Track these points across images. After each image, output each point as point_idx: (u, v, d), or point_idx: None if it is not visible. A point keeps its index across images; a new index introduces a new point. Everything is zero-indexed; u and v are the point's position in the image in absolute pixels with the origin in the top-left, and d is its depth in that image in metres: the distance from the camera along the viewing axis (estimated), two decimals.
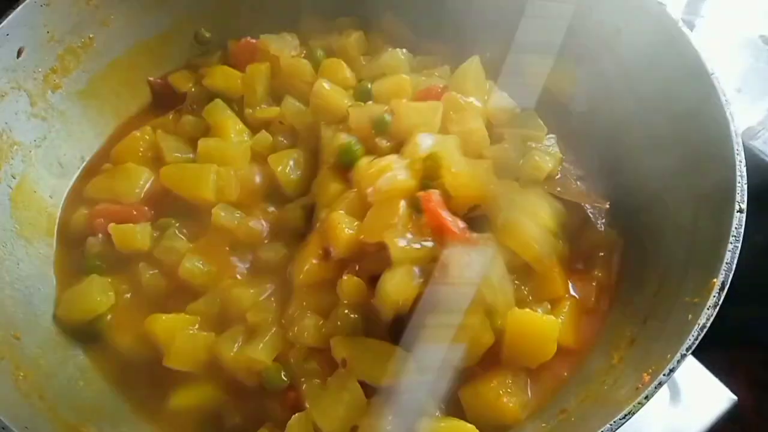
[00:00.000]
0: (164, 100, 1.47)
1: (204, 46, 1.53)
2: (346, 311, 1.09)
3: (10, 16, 1.18)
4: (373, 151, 1.23)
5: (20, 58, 1.22)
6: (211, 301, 1.18)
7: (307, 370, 1.10)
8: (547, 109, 1.28)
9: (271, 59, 1.43)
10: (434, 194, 1.09)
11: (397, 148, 1.21)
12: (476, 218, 1.12)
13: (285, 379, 1.10)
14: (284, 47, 1.44)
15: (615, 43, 1.24)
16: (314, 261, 1.13)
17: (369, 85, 1.35)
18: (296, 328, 1.10)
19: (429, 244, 1.07)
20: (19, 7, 1.19)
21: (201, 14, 1.50)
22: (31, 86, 1.26)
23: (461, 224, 1.08)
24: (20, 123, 1.26)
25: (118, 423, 1.11)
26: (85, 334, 1.19)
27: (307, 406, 1.06)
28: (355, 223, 1.12)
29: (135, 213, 1.28)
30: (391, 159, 1.17)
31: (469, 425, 1.02)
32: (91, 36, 1.35)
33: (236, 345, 1.12)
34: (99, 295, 1.19)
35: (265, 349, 1.10)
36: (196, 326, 1.15)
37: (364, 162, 1.19)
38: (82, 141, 1.38)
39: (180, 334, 1.13)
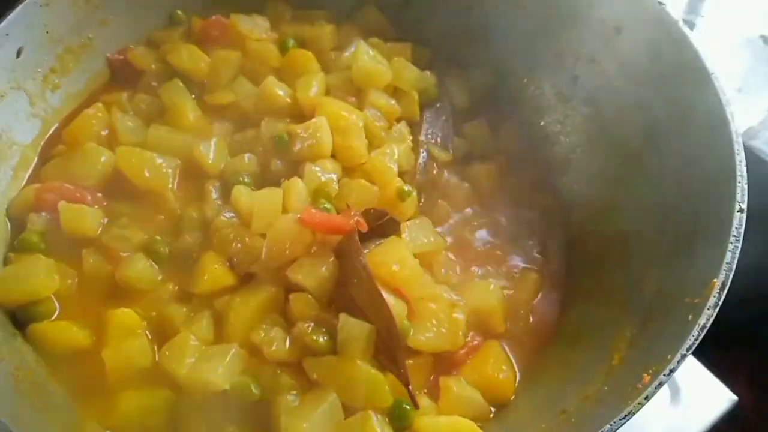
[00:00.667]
0: (123, 78, 1.39)
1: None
2: (309, 330, 1.03)
3: (9, 16, 1.18)
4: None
5: (20, 58, 1.22)
6: (150, 307, 1.11)
7: (281, 385, 1.01)
8: None
9: (239, 39, 1.36)
10: (310, 211, 1.07)
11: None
12: (386, 223, 1.13)
13: (256, 392, 1.00)
14: (254, 28, 1.38)
15: (615, 43, 1.24)
16: (216, 266, 1.10)
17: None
18: (265, 346, 1.03)
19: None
20: (19, 7, 1.19)
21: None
22: (31, 86, 1.26)
23: (356, 216, 1.07)
24: (20, 123, 1.26)
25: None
26: (22, 317, 1.08)
27: (282, 420, 0.98)
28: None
29: (88, 196, 1.19)
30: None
31: (468, 421, 1.02)
32: (90, 36, 1.35)
33: (189, 360, 1.02)
34: (44, 276, 1.08)
35: (225, 372, 1.00)
36: (144, 327, 1.08)
37: (242, 192, 1.16)
38: None
39: (128, 337, 1.06)
